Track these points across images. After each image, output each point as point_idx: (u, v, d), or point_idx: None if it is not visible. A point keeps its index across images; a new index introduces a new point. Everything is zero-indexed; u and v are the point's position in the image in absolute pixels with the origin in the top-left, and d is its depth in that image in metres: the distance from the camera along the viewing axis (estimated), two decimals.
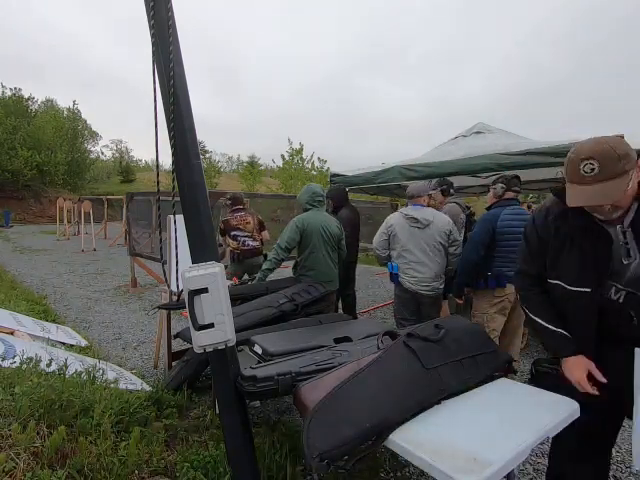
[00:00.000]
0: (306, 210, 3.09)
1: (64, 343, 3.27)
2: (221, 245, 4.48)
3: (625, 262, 1.23)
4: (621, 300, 1.25)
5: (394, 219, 3.08)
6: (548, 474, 1.65)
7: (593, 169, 1.12)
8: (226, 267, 4.60)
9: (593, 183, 1.13)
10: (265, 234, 4.53)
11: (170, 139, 1.46)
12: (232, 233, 4.33)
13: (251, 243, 4.35)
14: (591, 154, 1.13)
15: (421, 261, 2.93)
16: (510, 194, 2.89)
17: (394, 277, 3.07)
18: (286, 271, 4.50)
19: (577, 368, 1.31)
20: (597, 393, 1.26)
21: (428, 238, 2.94)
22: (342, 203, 4.09)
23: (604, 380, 1.26)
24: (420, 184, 3.27)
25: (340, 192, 4.24)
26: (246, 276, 4.05)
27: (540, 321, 1.42)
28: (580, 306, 1.32)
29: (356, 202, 9.77)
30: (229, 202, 4.51)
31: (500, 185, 2.85)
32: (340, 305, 4.23)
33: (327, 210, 3.39)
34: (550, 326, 1.39)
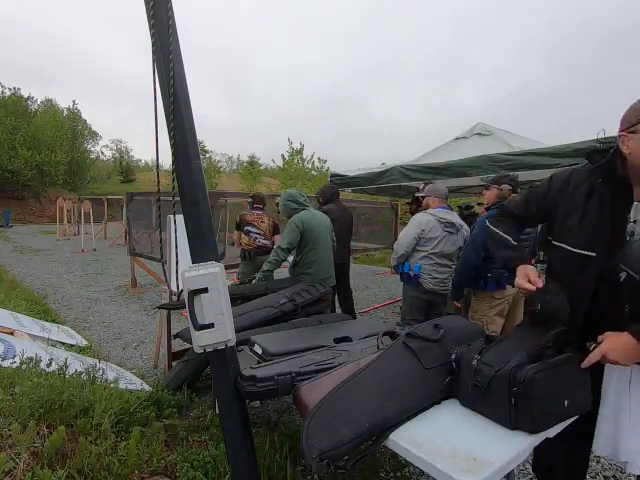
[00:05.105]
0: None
1: (64, 343, 3.27)
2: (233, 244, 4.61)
3: (627, 239, 1.20)
4: (621, 280, 1.20)
5: (426, 221, 2.96)
6: (535, 465, 1.67)
7: None
8: (237, 266, 4.68)
9: None
10: (277, 238, 4.54)
11: (170, 139, 1.46)
12: (245, 228, 4.43)
13: (262, 241, 4.43)
14: None
15: (446, 263, 2.98)
16: (514, 195, 2.88)
17: (412, 278, 2.99)
18: (286, 271, 4.51)
19: (519, 275, 1.35)
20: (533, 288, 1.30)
21: (456, 242, 3.03)
22: (329, 199, 4.14)
23: (539, 284, 1.30)
24: (441, 184, 3.26)
25: (329, 189, 4.32)
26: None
27: (500, 232, 1.51)
28: (579, 274, 1.28)
29: (356, 202, 9.80)
30: (250, 200, 4.68)
31: (507, 186, 2.82)
32: (339, 305, 4.25)
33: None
34: (508, 237, 1.48)
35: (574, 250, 1.29)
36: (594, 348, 1.19)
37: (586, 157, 1.36)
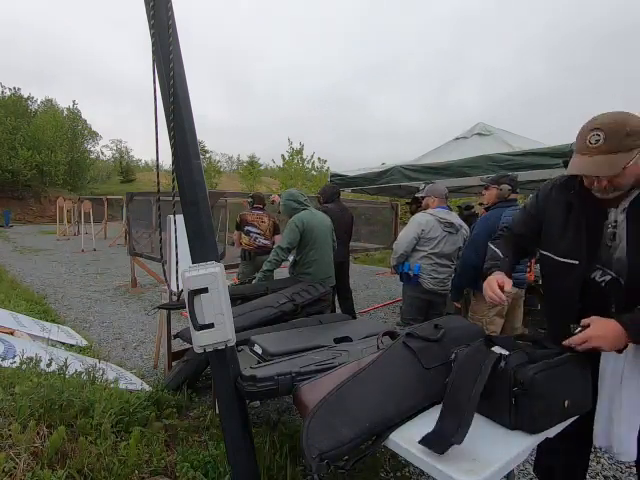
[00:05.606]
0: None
1: (64, 343, 3.27)
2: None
3: (609, 245, 1.23)
4: (604, 284, 1.24)
5: (426, 221, 2.97)
6: (537, 466, 1.68)
7: (598, 140, 1.12)
8: (237, 266, 4.69)
9: (594, 154, 1.13)
10: (277, 238, 4.54)
11: (170, 139, 1.46)
12: (246, 228, 4.45)
13: (263, 241, 4.45)
14: (600, 125, 1.13)
15: (445, 264, 2.99)
16: (513, 195, 2.88)
17: (412, 278, 3.00)
18: (286, 271, 4.52)
19: (486, 283, 1.43)
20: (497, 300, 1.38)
21: (455, 242, 3.03)
22: (330, 199, 4.16)
23: (507, 288, 1.37)
24: (441, 184, 3.27)
25: (330, 188, 4.34)
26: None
27: (492, 246, 1.57)
28: (565, 280, 1.32)
29: (356, 202, 9.79)
30: (250, 200, 4.70)
31: (506, 186, 2.82)
32: (339, 305, 4.25)
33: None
34: (496, 249, 1.55)
35: (558, 259, 1.33)
36: (579, 332, 1.21)
37: (563, 164, 1.41)
